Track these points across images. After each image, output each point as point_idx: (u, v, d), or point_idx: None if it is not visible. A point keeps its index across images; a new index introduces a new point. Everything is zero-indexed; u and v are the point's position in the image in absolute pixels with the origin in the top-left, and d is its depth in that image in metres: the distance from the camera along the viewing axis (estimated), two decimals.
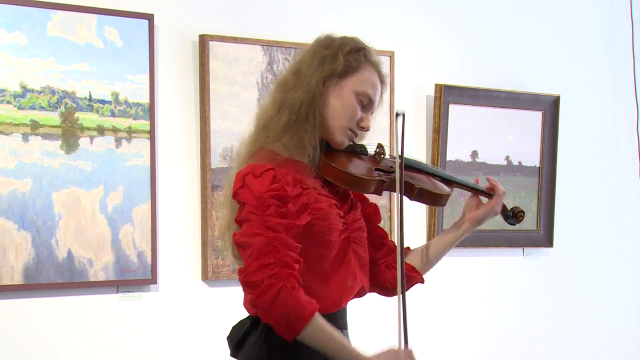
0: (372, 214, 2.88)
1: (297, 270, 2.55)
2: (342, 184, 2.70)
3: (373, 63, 2.74)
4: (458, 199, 4.85)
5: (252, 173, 2.59)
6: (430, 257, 2.91)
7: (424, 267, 2.90)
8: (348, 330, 2.77)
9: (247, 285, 2.55)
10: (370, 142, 2.84)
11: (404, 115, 2.71)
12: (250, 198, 2.57)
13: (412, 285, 2.89)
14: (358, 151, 2.78)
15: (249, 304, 2.70)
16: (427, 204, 2.92)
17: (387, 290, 2.90)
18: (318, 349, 2.59)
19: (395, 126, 2.74)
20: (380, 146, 2.80)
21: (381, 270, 2.87)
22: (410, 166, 2.86)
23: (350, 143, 2.77)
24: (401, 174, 2.72)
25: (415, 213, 4.70)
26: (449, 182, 2.93)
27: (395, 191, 2.76)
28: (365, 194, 2.85)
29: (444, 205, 2.94)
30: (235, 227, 2.67)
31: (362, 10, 4.64)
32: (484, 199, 2.94)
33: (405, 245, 2.85)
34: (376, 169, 2.77)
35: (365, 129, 2.74)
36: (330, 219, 2.65)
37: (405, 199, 2.75)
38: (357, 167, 2.73)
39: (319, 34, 2.78)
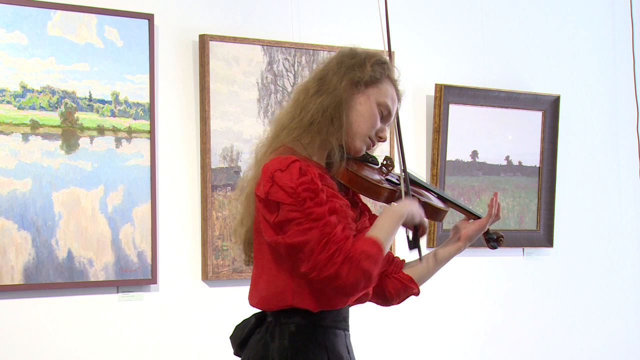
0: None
1: (354, 230, 2.66)
2: (358, 188, 2.75)
3: (393, 79, 2.81)
4: (458, 199, 4.85)
5: (279, 168, 2.61)
6: (424, 273, 2.97)
7: (420, 280, 2.97)
8: (350, 332, 2.78)
9: (323, 280, 2.59)
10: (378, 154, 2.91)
11: None
12: (284, 196, 2.59)
13: (408, 296, 2.96)
14: (370, 160, 2.85)
15: (255, 305, 2.71)
16: (427, 218, 2.97)
17: (385, 299, 2.94)
18: None
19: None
20: (388, 159, 2.87)
21: (380, 279, 2.89)
22: (412, 181, 2.93)
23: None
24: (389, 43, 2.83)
25: None
26: (444, 200, 3.00)
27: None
28: (372, 200, 2.89)
29: (441, 220, 3.00)
30: (249, 222, 2.72)
31: (362, 10, 4.64)
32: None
33: (401, 258, 2.97)
34: (385, 179, 2.83)
35: (383, 140, 2.80)
36: (348, 219, 2.68)
37: None
38: (372, 175, 2.78)
39: (343, 47, 2.83)
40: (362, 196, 2.85)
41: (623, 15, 5.57)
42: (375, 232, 2.65)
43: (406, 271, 2.94)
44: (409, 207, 2.74)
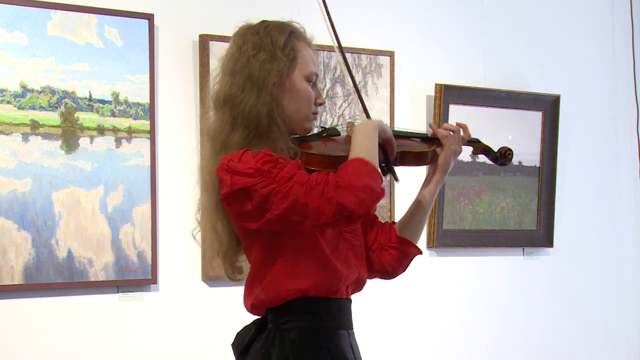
0: None
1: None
2: (329, 168, 2.63)
3: (301, 37, 2.69)
4: (458, 199, 4.85)
5: (232, 159, 2.51)
6: (416, 222, 2.83)
7: (414, 236, 2.83)
8: (354, 330, 2.71)
9: (333, 219, 2.45)
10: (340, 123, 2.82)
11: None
12: (249, 180, 2.48)
13: (410, 261, 2.83)
14: (331, 134, 2.75)
15: (252, 303, 2.65)
16: (413, 165, 2.86)
17: (387, 273, 2.81)
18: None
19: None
20: (350, 124, 2.75)
21: (376, 253, 2.79)
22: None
23: (321, 128, 2.74)
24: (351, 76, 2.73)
25: None
26: (426, 140, 2.89)
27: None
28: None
29: (430, 163, 2.88)
30: (226, 242, 2.64)
31: (362, 10, 4.64)
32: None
33: (390, 221, 2.85)
34: None
35: (322, 104, 2.70)
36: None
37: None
38: (338, 149, 2.68)
39: (238, 29, 2.73)
40: None
41: (623, 15, 5.57)
42: (355, 152, 2.53)
43: (400, 233, 2.80)
44: (373, 121, 2.60)
